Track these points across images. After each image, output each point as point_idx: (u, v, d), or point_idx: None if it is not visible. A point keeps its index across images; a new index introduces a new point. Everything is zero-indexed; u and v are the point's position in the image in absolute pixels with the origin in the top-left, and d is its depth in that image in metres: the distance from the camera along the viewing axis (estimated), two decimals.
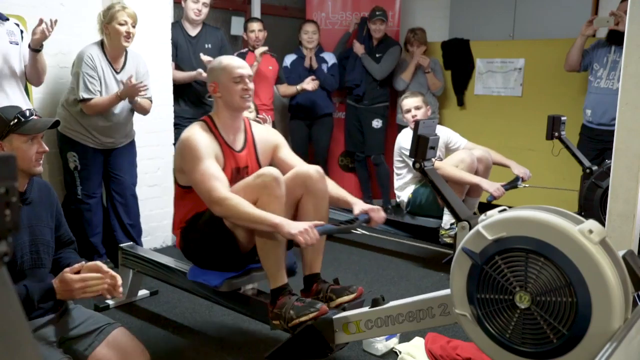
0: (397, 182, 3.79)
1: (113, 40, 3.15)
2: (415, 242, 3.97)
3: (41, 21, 2.74)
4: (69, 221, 2.01)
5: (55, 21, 2.78)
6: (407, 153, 3.49)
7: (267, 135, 2.57)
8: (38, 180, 1.95)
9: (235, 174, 2.37)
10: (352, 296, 2.16)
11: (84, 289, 1.66)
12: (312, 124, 4.84)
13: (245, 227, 2.18)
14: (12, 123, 1.80)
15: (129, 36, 3.15)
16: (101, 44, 3.20)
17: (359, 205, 2.33)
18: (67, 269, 1.70)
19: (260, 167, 2.45)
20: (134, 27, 3.17)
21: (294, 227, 1.99)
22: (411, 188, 3.71)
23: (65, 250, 1.96)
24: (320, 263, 2.34)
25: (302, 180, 2.27)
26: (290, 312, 2.04)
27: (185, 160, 2.26)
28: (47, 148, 1.90)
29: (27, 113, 1.83)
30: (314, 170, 2.30)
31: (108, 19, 3.12)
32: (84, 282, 1.67)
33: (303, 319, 2.01)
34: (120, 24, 3.12)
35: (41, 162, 1.88)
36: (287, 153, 2.57)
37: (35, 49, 2.83)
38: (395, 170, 3.79)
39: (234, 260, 2.34)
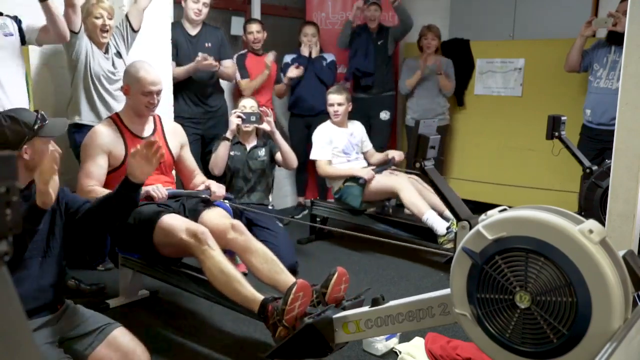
0: None
1: (92, 34, 3.16)
2: (415, 241, 3.96)
3: None
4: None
5: None
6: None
7: (176, 129, 2.97)
8: None
9: None
10: (335, 275, 2.19)
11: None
12: (311, 122, 4.83)
13: (168, 244, 2.48)
14: (36, 127, 1.79)
15: (104, 29, 3.14)
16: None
17: (207, 183, 2.88)
18: None
19: (171, 153, 2.87)
20: (110, 19, 3.16)
21: (149, 186, 2.51)
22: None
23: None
24: (288, 275, 2.40)
25: (222, 239, 2.50)
26: (279, 308, 2.06)
27: (81, 153, 2.69)
28: (59, 149, 1.90)
29: (40, 115, 1.83)
30: (229, 226, 2.57)
31: (85, 14, 3.11)
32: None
33: (290, 299, 2.03)
34: (96, 18, 3.11)
35: None
36: (188, 154, 3.00)
37: None
38: None
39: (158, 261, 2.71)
